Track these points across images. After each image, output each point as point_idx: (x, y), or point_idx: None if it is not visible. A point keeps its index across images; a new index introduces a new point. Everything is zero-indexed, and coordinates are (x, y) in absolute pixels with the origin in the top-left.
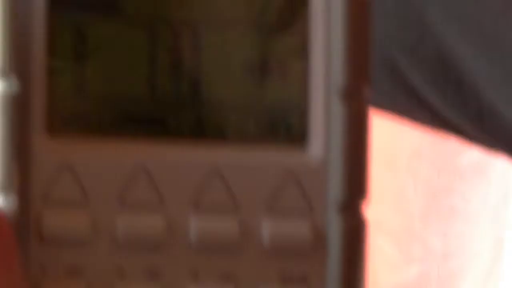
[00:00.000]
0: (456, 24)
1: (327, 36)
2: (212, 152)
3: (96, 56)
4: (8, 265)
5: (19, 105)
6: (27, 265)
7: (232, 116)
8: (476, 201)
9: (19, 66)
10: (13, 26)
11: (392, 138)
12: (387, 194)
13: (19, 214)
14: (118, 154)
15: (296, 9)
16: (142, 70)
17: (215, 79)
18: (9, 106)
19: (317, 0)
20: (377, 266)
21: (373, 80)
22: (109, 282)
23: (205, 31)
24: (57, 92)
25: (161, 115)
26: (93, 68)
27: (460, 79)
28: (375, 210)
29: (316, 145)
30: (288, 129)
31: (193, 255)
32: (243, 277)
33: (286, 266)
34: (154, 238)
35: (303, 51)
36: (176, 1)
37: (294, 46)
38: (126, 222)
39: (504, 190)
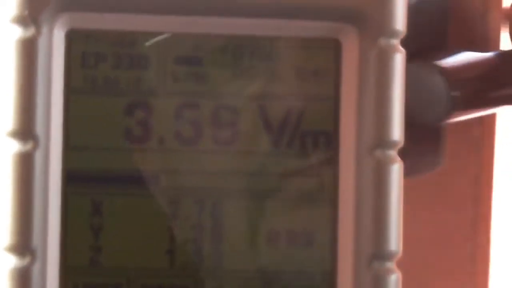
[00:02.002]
0: None
1: (357, 203)
2: None
3: (111, 228)
4: None
5: (34, 278)
6: None
7: (256, 286)
8: None
9: (35, 240)
10: (29, 200)
11: None
12: None
13: None
14: None
15: (325, 176)
16: (160, 242)
17: (237, 249)
18: (24, 280)
19: (346, 166)
20: None
21: None
22: None
23: (227, 201)
24: (71, 264)
25: (180, 287)
26: (108, 240)
27: None
28: None
29: None
30: None
31: None
32: None
33: None
34: None
35: (332, 220)
36: (199, 174)
37: (323, 216)
38: None
39: None
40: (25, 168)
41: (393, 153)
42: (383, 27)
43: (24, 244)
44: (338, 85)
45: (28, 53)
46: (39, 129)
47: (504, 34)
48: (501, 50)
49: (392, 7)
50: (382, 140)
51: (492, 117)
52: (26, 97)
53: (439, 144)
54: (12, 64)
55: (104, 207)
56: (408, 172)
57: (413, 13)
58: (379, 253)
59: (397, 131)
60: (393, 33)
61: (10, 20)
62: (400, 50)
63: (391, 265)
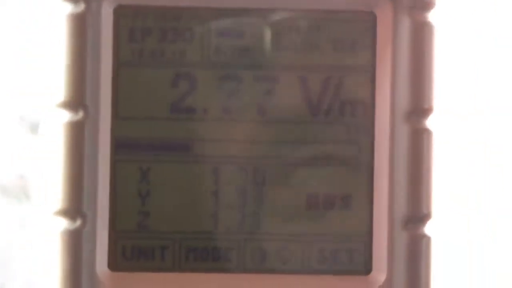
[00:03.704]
0: None
1: (391, 168)
2: (275, 285)
3: (158, 193)
4: None
5: (84, 240)
6: None
7: (295, 248)
8: None
9: (85, 205)
10: (80, 167)
11: None
12: None
13: None
14: None
15: (362, 143)
16: (205, 206)
17: (278, 213)
18: (75, 241)
19: (382, 133)
20: None
21: None
22: None
23: (268, 167)
24: (119, 228)
25: (224, 249)
26: (155, 205)
27: None
28: None
29: (379, 274)
30: (351, 258)
31: None
32: None
33: None
34: None
35: (368, 184)
36: (241, 142)
37: (359, 180)
38: None
39: None
40: (76, 136)
41: (426, 120)
42: None
43: (75, 208)
44: (374, 56)
45: (78, 28)
46: (89, 99)
47: None
48: None
49: None
50: (415, 108)
51: None
52: (76, 70)
53: None
54: (63, 39)
55: (151, 173)
56: None
57: None
58: (413, 216)
59: (429, 99)
60: (425, 5)
61: None
62: (431, 21)
63: (424, 228)
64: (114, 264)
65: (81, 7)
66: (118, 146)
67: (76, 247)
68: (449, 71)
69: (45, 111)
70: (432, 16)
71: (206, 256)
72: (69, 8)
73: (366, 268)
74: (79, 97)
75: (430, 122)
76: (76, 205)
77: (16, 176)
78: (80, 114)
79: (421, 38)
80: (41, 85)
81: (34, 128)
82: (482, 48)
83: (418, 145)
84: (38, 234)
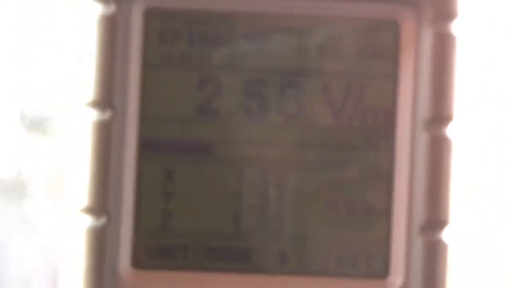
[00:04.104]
0: None
1: (411, 174)
2: (294, 286)
3: (182, 193)
4: None
5: (109, 237)
6: None
7: (315, 250)
8: None
9: (110, 203)
10: (106, 165)
11: None
12: None
13: None
14: None
15: (383, 149)
16: (228, 207)
17: (298, 215)
18: (99, 238)
19: (402, 140)
20: None
21: None
22: None
23: (290, 170)
24: (143, 226)
25: (245, 250)
26: (178, 205)
27: None
28: None
29: (396, 278)
30: (370, 262)
31: None
32: None
33: None
34: None
35: (388, 190)
36: (264, 145)
37: (379, 186)
38: None
39: None
40: (103, 135)
41: (447, 128)
42: (439, 9)
43: (100, 206)
44: (397, 64)
45: (109, 29)
46: (117, 99)
47: None
48: None
49: None
50: (436, 116)
51: None
52: (106, 70)
53: None
54: (94, 39)
55: (176, 174)
56: None
57: None
58: (431, 222)
59: (450, 108)
60: (448, 16)
61: None
62: (454, 31)
63: (442, 233)
64: (137, 262)
65: (112, 8)
66: (144, 146)
67: (100, 244)
68: (459, 59)
69: (47, 110)
70: (454, 27)
71: (227, 256)
72: (100, 9)
73: (384, 272)
74: (108, 97)
75: (449, 131)
76: (102, 203)
77: (14, 172)
78: (108, 113)
79: (443, 48)
80: (41, 84)
81: (33, 125)
82: (493, 36)
83: (437, 153)
84: (40, 233)
